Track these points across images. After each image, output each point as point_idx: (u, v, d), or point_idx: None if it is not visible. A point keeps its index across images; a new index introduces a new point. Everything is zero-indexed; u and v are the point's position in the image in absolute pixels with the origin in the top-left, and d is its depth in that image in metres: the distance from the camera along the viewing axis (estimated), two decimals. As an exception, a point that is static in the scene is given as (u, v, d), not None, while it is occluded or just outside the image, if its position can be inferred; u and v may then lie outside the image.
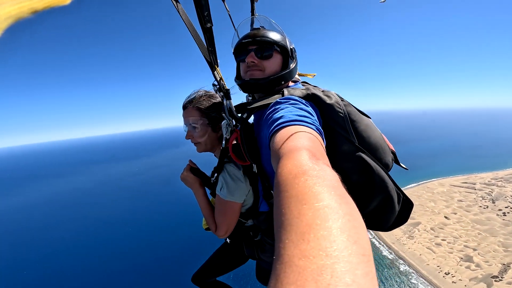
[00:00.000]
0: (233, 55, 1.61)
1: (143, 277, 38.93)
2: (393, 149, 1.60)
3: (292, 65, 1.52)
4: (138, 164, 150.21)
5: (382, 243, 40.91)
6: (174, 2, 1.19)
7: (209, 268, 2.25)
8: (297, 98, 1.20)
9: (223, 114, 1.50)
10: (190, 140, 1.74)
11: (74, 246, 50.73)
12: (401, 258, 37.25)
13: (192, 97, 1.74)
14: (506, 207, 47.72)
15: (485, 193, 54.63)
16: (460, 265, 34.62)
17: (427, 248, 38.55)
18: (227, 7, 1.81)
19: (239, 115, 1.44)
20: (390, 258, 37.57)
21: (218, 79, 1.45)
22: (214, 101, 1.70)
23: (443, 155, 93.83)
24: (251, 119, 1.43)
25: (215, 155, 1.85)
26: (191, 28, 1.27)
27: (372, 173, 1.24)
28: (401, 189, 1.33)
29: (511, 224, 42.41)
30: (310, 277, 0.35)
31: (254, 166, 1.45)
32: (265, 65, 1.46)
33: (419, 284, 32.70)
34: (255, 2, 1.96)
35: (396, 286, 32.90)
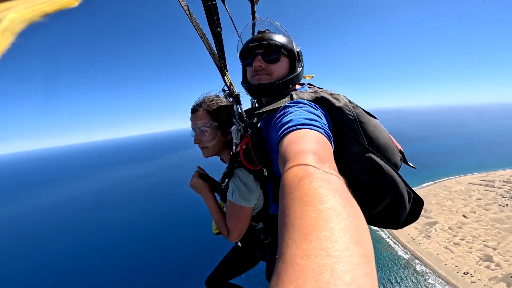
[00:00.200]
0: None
1: (156, 279, 39.40)
2: (401, 149, 1.62)
3: (299, 68, 1.53)
4: (151, 166, 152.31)
5: (397, 243, 40.10)
6: (186, 11, 1.20)
7: (221, 271, 2.26)
8: (306, 101, 1.21)
9: (233, 119, 1.48)
10: (197, 144, 1.72)
11: (89, 247, 51.98)
12: (417, 258, 36.44)
13: (201, 100, 1.72)
14: (527, 205, 45.94)
15: (505, 191, 52.77)
16: (480, 265, 33.58)
17: (445, 247, 37.55)
18: (228, 9, 1.78)
19: (249, 120, 1.44)
20: (405, 258, 36.83)
21: (228, 84, 1.44)
22: (223, 105, 1.69)
23: (460, 153, 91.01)
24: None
25: (221, 159, 1.86)
26: (202, 34, 1.27)
27: (382, 173, 1.25)
28: (411, 187, 1.35)
29: (532, 222, 40.82)
30: (310, 276, 0.35)
31: (265, 170, 1.45)
32: (273, 69, 1.46)
33: (436, 284, 31.92)
34: (255, 5, 1.94)
35: (412, 286, 32.24)
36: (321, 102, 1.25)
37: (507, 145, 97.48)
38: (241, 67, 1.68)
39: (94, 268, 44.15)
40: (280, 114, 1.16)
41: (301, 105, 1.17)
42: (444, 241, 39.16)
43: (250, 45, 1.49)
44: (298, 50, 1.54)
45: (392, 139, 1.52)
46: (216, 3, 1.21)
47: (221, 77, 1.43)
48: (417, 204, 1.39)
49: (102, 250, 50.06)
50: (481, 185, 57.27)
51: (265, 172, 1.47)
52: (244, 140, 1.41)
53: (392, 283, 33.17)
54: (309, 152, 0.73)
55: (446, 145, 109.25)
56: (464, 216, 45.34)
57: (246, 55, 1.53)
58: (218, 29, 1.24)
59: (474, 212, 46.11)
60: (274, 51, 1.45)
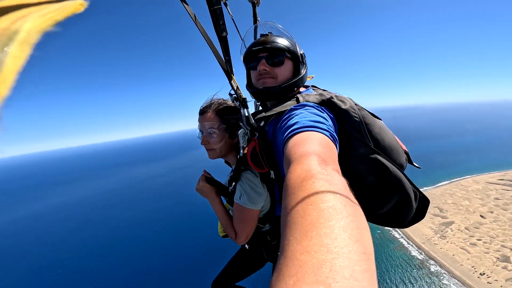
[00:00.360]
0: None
1: (165, 279, 39.78)
2: (406, 149, 1.63)
3: (303, 71, 1.53)
4: (163, 166, 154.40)
5: (411, 243, 39.41)
6: (193, 18, 1.20)
7: (228, 273, 2.26)
8: (312, 104, 1.23)
9: (240, 123, 1.49)
10: (204, 145, 1.71)
11: (104, 245, 53.33)
12: (432, 259, 35.73)
13: (210, 102, 1.72)
14: (548, 205, 44.22)
15: (524, 190, 50.90)
16: (497, 266, 32.65)
17: (461, 248, 36.64)
18: (229, 11, 1.78)
19: (256, 123, 1.45)
20: (420, 258, 36.16)
21: (235, 88, 1.44)
22: (232, 107, 1.69)
23: (477, 151, 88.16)
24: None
25: (225, 161, 1.86)
26: (208, 40, 1.28)
27: (389, 174, 1.27)
28: (418, 187, 1.38)
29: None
30: (310, 270, 0.36)
31: (271, 172, 1.46)
32: (277, 72, 1.47)
33: (451, 284, 31.23)
34: (257, 7, 1.95)
35: (426, 287, 31.63)
36: (327, 105, 1.27)
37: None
38: (245, 70, 1.68)
39: (107, 265, 45.31)
40: (286, 116, 1.17)
41: (307, 107, 1.18)
42: (460, 241, 38.23)
43: (253, 48, 1.50)
44: (301, 52, 1.55)
45: (397, 139, 1.53)
46: (221, 7, 1.21)
47: (228, 81, 1.44)
48: (423, 203, 1.42)
49: (113, 249, 51.26)
50: (499, 184, 55.56)
51: (272, 175, 1.48)
52: (251, 143, 1.42)
53: (405, 283, 32.64)
54: (313, 154, 0.74)
55: (463, 143, 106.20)
56: (481, 216, 44.09)
57: (250, 58, 1.54)
58: (224, 33, 1.25)
59: (491, 212, 44.82)
60: (278, 54, 1.46)
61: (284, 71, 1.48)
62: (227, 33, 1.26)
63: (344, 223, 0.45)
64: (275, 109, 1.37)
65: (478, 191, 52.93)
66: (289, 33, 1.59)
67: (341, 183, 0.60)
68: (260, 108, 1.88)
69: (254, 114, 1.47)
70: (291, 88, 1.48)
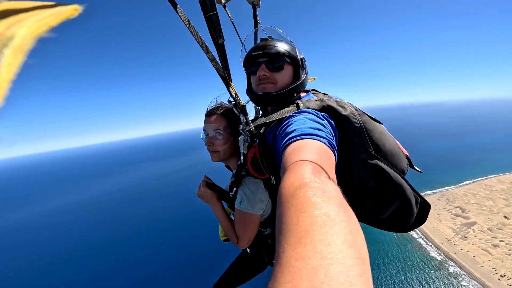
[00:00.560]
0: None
1: (165, 279, 39.52)
2: (407, 154, 1.64)
3: (303, 76, 1.52)
4: (179, 162, 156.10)
5: (430, 244, 38.30)
6: (187, 24, 1.18)
7: (229, 277, 2.27)
8: (312, 110, 1.22)
9: (240, 130, 1.48)
10: (208, 147, 1.71)
11: (102, 246, 53.16)
12: (451, 260, 34.63)
13: (218, 105, 1.73)
14: None
15: (551, 190, 48.27)
16: (518, 267, 31.45)
17: (483, 249, 35.28)
18: (229, 14, 1.75)
19: (256, 130, 1.44)
20: (438, 259, 35.14)
21: (234, 95, 1.43)
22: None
23: (503, 149, 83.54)
24: None
25: (226, 165, 1.86)
26: (204, 46, 1.26)
27: (389, 179, 1.28)
28: (418, 192, 1.39)
29: None
30: (305, 276, 0.37)
31: (272, 178, 1.45)
32: (277, 77, 1.45)
33: (470, 286, 30.23)
34: (257, 8, 1.93)
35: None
36: (328, 111, 1.26)
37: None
38: (245, 74, 1.67)
39: (108, 266, 45.26)
40: (285, 123, 1.17)
41: (306, 114, 1.18)
42: (482, 242, 36.82)
43: (253, 53, 1.48)
44: (301, 57, 1.53)
45: (398, 144, 1.54)
46: (217, 13, 1.19)
47: (226, 89, 1.42)
48: (424, 208, 1.43)
49: (113, 249, 51.10)
50: (525, 184, 52.81)
51: (273, 180, 1.48)
52: (252, 150, 1.42)
53: (421, 284, 31.88)
54: (307, 162, 0.75)
55: (487, 141, 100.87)
56: (505, 217, 42.20)
57: (250, 63, 1.53)
58: (221, 40, 1.23)
59: (516, 213, 42.82)
60: (278, 59, 1.45)
61: (284, 76, 1.47)
62: (224, 40, 1.24)
63: (337, 229, 0.45)
64: (274, 115, 1.36)
65: (503, 191, 50.61)
66: (288, 37, 1.57)
67: (334, 191, 0.60)
68: (261, 113, 1.89)
69: (254, 121, 1.47)
70: (291, 93, 1.47)
